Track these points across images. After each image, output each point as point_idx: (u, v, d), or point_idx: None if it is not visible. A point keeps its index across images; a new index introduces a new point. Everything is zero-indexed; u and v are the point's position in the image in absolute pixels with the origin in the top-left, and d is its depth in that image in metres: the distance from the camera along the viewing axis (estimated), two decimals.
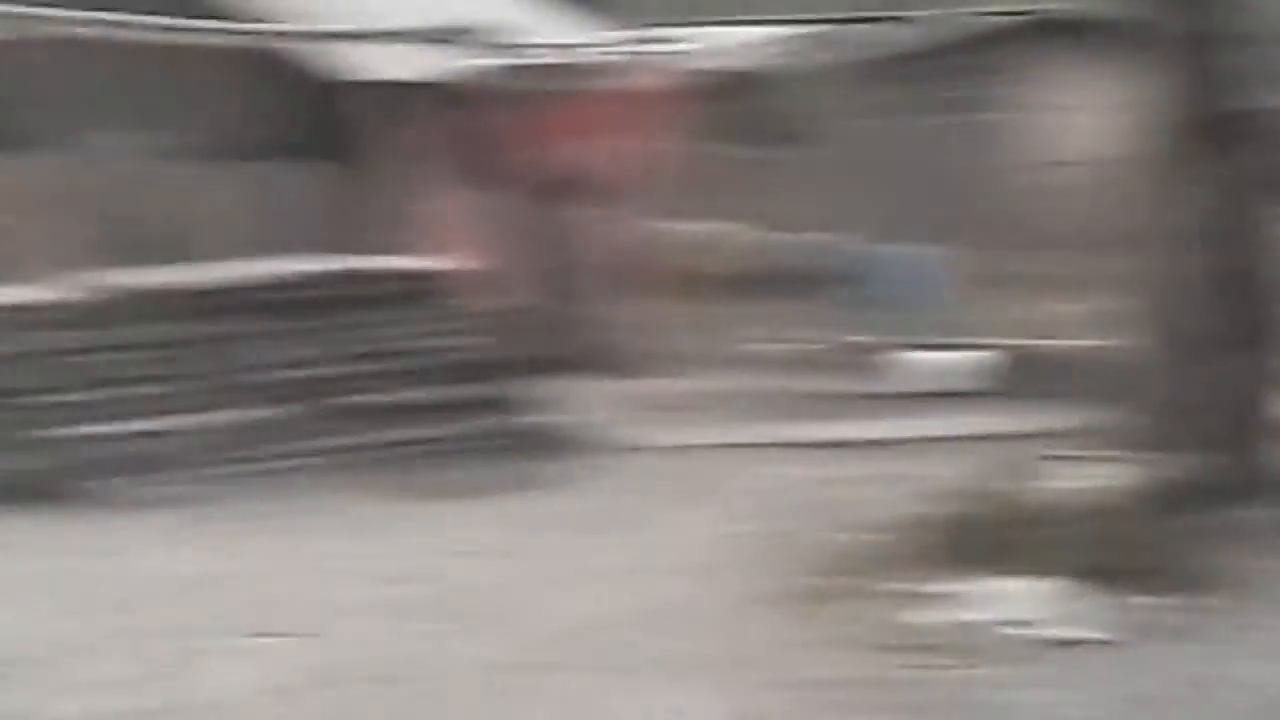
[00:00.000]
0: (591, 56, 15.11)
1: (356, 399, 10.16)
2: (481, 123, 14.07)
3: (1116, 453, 8.10)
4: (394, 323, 10.49)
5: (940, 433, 10.76)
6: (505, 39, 14.55)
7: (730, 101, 16.06)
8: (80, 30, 13.27)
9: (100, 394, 9.79)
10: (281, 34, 14.66)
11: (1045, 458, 8.29)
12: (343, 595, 7.10)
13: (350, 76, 14.42)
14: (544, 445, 10.29)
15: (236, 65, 14.77)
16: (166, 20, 13.31)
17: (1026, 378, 12.17)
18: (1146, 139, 8.26)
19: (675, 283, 14.51)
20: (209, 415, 9.93)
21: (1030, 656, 6.05)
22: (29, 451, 9.47)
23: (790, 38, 18.11)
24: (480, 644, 6.25)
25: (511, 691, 5.71)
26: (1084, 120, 15.98)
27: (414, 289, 10.68)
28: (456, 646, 6.24)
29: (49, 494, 9.20)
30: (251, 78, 15.09)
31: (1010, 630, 6.29)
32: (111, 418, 9.72)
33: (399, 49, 14.45)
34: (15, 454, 9.44)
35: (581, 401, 11.21)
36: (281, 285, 10.40)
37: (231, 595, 7.18)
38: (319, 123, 14.84)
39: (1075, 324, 12.70)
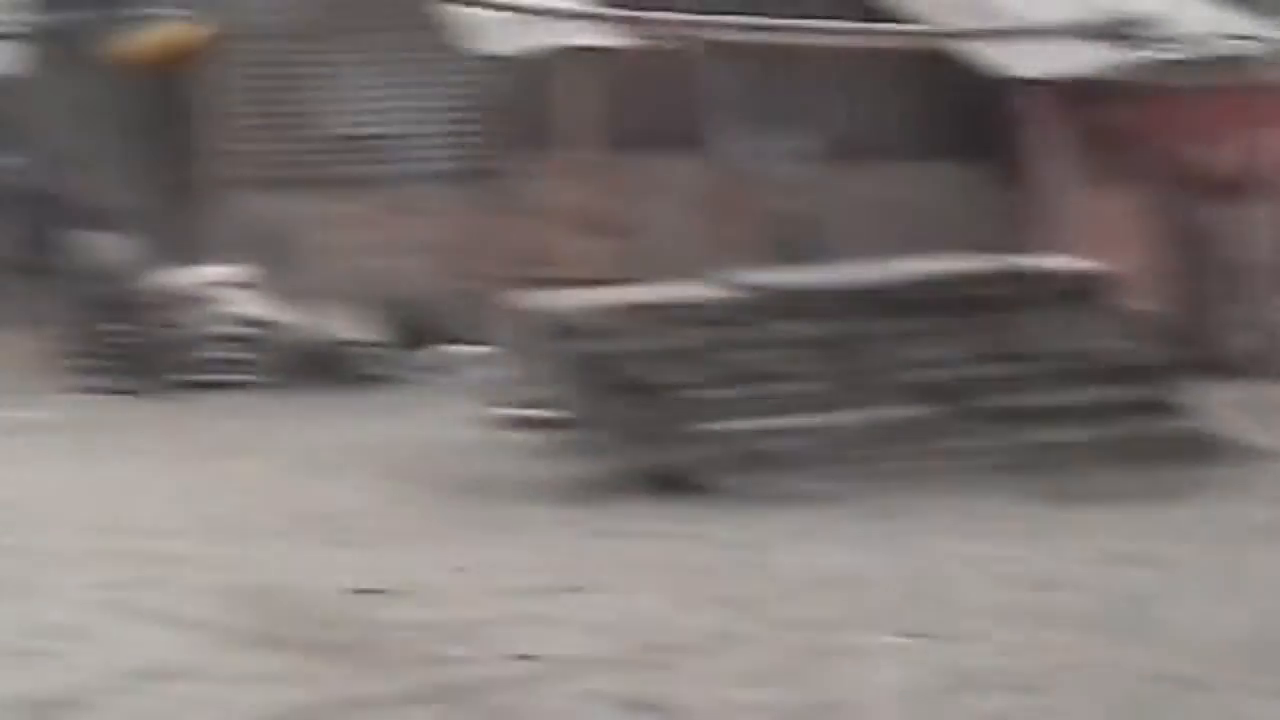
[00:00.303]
0: (1252, 49, 14.48)
1: (1000, 400, 10.00)
2: (1139, 119, 13.68)
3: None
4: (1044, 323, 10.25)
5: None
6: (1164, 32, 14.11)
7: None
8: (734, 35, 13.59)
9: (746, 390, 9.96)
10: (937, 33, 14.64)
11: None
12: (980, 598, 6.97)
13: (1005, 74, 14.27)
14: (1195, 451, 9.87)
15: (889, 65, 14.84)
16: (820, 23, 13.48)
17: None
18: None
19: None
20: (851, 413, 9.97)
21: None
22: (677, 445, 9.73)
23: None
24: (1126, 656, 6.00)
25: (1160, 710, 5.47)
26: None
27: (1066, 289, 10.42)
28: (1101, 658, 6.01)
29: (695, 486, 9.45)
30: (903, 77, 15.13)
31: None
32: (756, 413, 9.87)
33: (1055, 45, 14.21)
34: (664, 447, 9.73)
35: (1234, 407, 10.73)
36: (931, 284, 10.33)
37: (866, 593, 7.15)
38: (971, 121, 14.76)
39: None
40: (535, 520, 9.02)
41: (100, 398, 12.21)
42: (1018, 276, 10.45)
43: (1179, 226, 13.86)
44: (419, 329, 13.96)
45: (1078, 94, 14.06)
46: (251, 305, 13.00)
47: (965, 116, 14.78)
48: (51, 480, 9.89)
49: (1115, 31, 13.92)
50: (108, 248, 13.99)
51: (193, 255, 15.20)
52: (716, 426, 9.82)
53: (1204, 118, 13.80)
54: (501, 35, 11.95)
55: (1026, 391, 10.04)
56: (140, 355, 12.48)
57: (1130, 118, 13.78)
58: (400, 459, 10.50)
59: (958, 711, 5.50)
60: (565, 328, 10.13)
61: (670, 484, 9.45)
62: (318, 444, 10.95)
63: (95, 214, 16.99)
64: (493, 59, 12.35)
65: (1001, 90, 14.17)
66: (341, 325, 13.26)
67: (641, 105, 14.33)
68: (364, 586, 7.37)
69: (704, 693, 5.68)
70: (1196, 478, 9.41)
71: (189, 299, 12.79)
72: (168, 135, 16.62)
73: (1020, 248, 11.65)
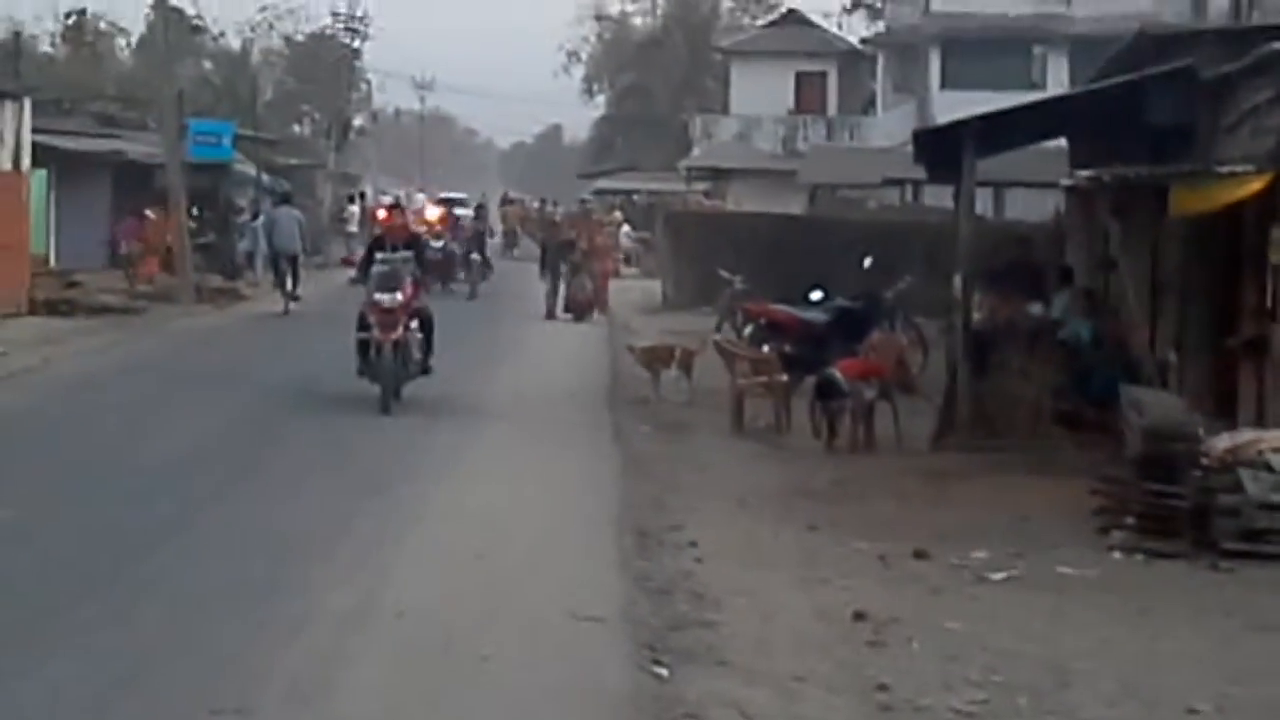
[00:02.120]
0: None
1: None
2: None
3: None
4: None
5: None
6: None
7: None
8: None
9: None
10: None
11: None
12: None
13: None
14: None
15: None
16: None
17: None
18: None
19: None
20: None
21: None
22: None
23: None
24: None
25: None
26: None
27: None
28: None
29: None
30: None
31: None
32: None
33: None
34: None
35: None
36: None
37: None
38: None
39: None
40: None
41: (1138, 558, 11.79)
42: None
43: None
44: None
45: None
46: None
47: None
48: (1094, 643, 9.60)
49: None
50: (1157, 403, 13.59)
51: (1237, 416, 14.58)
52: None
53: None
54: None
55: None
56: (1184, 518, 11.96)
57: None
58: None
59: None
60: None
61: None
62: None
63: (1141, 368, 16.70)
64: None
65: None
66: None
67: None
68: None
69: None
70: None
71: (1237, 462, 12.12)
72: (1215, 290, 16.10)
73: None
